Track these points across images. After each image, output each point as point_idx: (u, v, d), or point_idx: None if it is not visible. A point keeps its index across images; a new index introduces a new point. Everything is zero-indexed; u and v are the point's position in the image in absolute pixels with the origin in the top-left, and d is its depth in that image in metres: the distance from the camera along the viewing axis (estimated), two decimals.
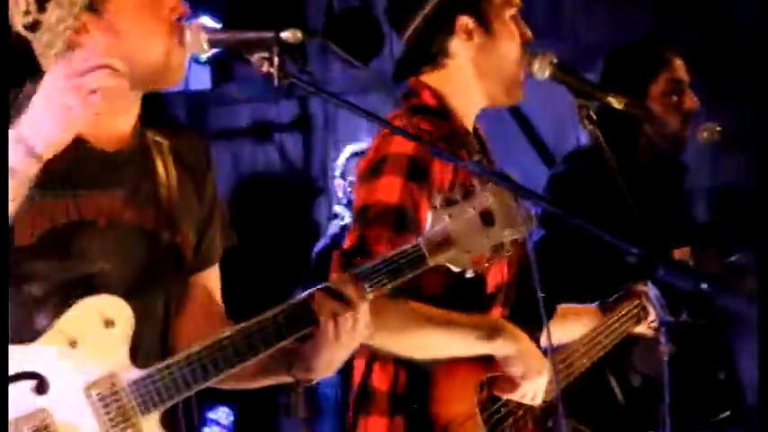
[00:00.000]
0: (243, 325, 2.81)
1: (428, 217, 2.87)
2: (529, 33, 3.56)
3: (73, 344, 2.76)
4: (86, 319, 2.78)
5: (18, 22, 2.87)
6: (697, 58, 4.79)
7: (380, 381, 3.42)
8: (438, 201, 2.90)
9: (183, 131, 3.10)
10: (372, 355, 3.41)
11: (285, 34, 2.87)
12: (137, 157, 2.94)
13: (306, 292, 2.85)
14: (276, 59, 2.86)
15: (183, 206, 2.98)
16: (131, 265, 2.88)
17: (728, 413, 4.69)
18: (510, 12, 3.53)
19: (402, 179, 3.31)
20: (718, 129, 4.50)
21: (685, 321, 3.64)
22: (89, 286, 2.80)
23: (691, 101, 4.61)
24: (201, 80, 7.00)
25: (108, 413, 2.75)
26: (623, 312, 3.81)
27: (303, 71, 3.00)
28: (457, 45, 3.51)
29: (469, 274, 2.92)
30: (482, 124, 3.65)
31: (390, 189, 3.31)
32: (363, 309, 2.85)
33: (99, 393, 2.75)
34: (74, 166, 2.84)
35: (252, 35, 2.90)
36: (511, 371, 3.39)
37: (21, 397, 2.69)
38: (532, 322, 3.51)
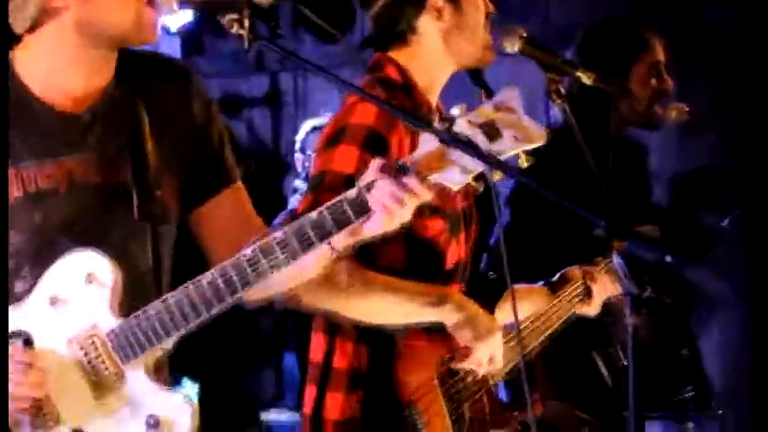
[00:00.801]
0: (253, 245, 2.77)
1: (421, 136, 2.75)
2: (492, 8, 3.60)
3: (54, 301, 2.83)
4: (67, 276, 2.84)
5: None
6: (669, 39, 4.83)
7: (342, 358, 3.44)
8: (436, 118, 2.82)
9: (164, 75, 3.07)
10: (332, 332, 3.44)
11: None
12: (107, 115, 2.95)
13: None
14: (246, 21, 2.86)
15: (164, 152, 2.99)
16: (99, 223, 2.90)
17: (691, 391, 4.74)
18: None
19: (359, 149, 3.33)
20: (686, 109, 4.56)
21: (650, 296, 3.68)
22: (57, 251, 2.84)
23: (667, 82, 4.68)
24: (171, 52, 6.61)
25: (90, 363, 2.80)
26: (566, 293, 3.85)
27: (275, 35, 3.00)
28: (426, 22, 3.54)
29: (479, 187, 2.79)
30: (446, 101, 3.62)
31: (346, 158, 3.33)
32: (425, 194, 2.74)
33: (80, 345, 2.80)
34: (33, 135, 2.88)
35: None
36: (462, 336, 3.42)
37: (12, 353, 2.74)
38: (486, 300, 3.56)
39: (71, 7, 2.86)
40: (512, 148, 2.70)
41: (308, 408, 3.47)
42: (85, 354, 2.82)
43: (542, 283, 3.89)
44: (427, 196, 2.72)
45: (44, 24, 2.89)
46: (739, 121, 4.87)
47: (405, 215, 2.75)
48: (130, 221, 2.94)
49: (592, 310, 3.91)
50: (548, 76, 3.66)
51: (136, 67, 3.01)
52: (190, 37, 6.87)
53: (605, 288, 3.87)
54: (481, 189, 2.82)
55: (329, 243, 2.79)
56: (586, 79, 3.71)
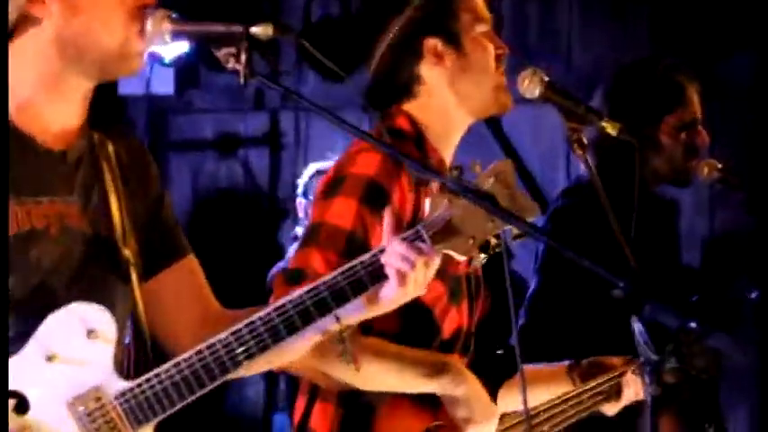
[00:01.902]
0: (263, 313, 2.82)
1: (426, 203, 2.88)
2: (504, 48, 3.58)
3: (52, 357, 2.77)
4: (66, 330, 2.79)
5: None
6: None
7: (319, 422, 3.44)
8: (434, 185, 2.90)
9: (122, 133, 3.09)
10: (313, 395, 3.44)
11: (255, 29, 2.89)
12: (86, 158, 2.94)
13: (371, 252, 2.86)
14: (244, 55, 2.87)
15: (130, 212, 2.97)
16: (89, 273, 2.88)
17: None
18: (480, 28, 3.55)
19: (357, 202, 3.34)
20: (719, 166, 4.54)
21: (673, 366, 3.64)
22: (50, 298, 2.81)
23: (702, 138, 4.66)
24: (165, 84, 7.07)
25: (97, 429, 2.76)
26: (595, 386, 3.80)
27: (275, 72, 2.98)
28: (427, 70, 3.52)
29: (478, 263, 2.97)
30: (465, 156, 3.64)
31: (344, 212, 3.35)
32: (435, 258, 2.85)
33: (85, 408, 2.76)
34: (20, 170, 2.83)
35: (219, 28, 2.90)
36: (455, 413, 3.41)
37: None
38: (490, 379, 3.55)
39: (53, 17, 2.83)
40: (511, 219, 2.85)
41: None
42: (92, 419, 2.77)
43: (567, 363, 3.84)
44: (437, 261, 2.81)
45: (21, 34, 2.86)
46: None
47: (419, 286, 2.83)
48: (115, 276, 2.94)
49: (611, 410, 3.86)
50: (569, 125, 3.59)
51: (98, 120, 3.01)
52: (184, 69, 6.97)
53: (638, 394, 3.80)
54: (483, 262, 2.95)
55: (335, 315, 2.85)
56: (611, 130, 3.68)
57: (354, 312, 2.89)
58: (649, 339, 3.04)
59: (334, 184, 3.39)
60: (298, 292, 2.81)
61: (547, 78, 3.53)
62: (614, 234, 3.41)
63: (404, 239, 2.82)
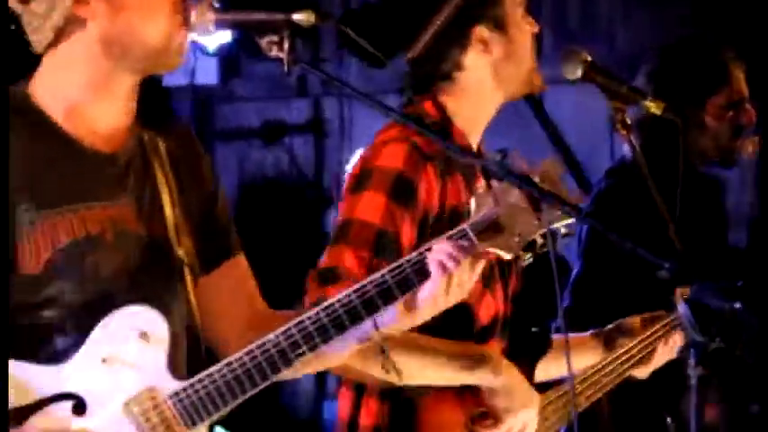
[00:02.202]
0: (310, 313, 2.85)
1: (472, 203, 2.87)
2: (537, 26, 3.62)
3: (106, 360, 2.80)
4: (119, 333, 2.82)
5: None
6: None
7: (367, 416, 3.47)
8: (480, 185, 2.94)
9: (172, 127, 3.10)
10: (360, 389, 3.46)
11: (297, 16, 2.91)
12: (137, 159, 2.95)
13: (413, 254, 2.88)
14: (286, 43, 2.89)
15: (182, 212, 3.00)
16: (145, 277, 2.90)
17: None
18: (521, 10, 3.57)
19: (386, 197, 3.36)
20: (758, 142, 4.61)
21: (719, 347, 3.66)
22: (107, 303, 2.83)
23: (748, 116, 4.66)
24: (208, 74, 7.10)
25: (152, 428, 2.80)
26: (624, 352, 3.83)
27: (317, 58, 3.03)
28: (473, 58, 3.53)
29: (524, 262, 3.07)
30: (512, 140, 3.63)
31: (373, 207, 3.37)
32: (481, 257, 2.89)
33: (140, 408, 2.79)
34: (70, 175, 2.86)
35: (262, 16, 2.92)
36: (494, 403, 3.44)
37: (58, 420, 2.75)
38: (527, 358, 3.62)
39: (98, 17, 2.84)
40: (557, 218, 2.91)
41: None
42: (147, 419, 2.79)
43: (592, 332, 3.89)
44: (482, 261, 2.86)
45: (68, 38, 2.87)
46: None
47: (463, 287, 2.87)
48: (171, 279, 2.96)
49: (643, 372, 3.88)
50: (612, 105, 3.62)
51: (146, 116, 3.04)
52: (227, 58, 6.98)
53: (671, 350, 3.83)
54: (529, 261, 3.12)
55: (375, 322, 2.86)
56: (655, 109, 3.70)
57: (392, 322, 2.92)
58: (695, 321, 3.12)
59: (361, 179, 3.42)
60: (345, 292, 2.82)
61: (589, 58, 3.54)
62: (660, 214, 3.43)
63: (450, 238, 2.84)
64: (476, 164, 3.31)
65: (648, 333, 3.82)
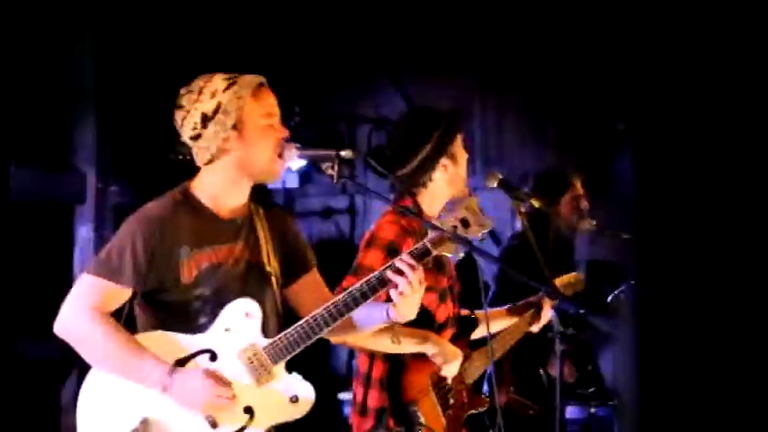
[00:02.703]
0: (328, 304, 2.83)
1: (429, 232, 2.88)
2: (466, 155, 3.56)
3: (227, 329, 2.80)
4: (234, 314, 2.82)
5: (186, 134, 2.89)
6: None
7: (377, 370, 3.41)
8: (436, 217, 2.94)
9: (273, 208, 3.10)
10: (372, 353, 3.40)
11: (343, 152, 2.96)
12: (247, 221, 2.94)
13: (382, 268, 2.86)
14: (336, 167, 2.93)
15: (272, 246, 2.98)
16: (247, 284, 2.90)
17: (593, 389, 4.63)
18: (461, 141, 3.55)
19: (383, 254, 3.31)
20: (594, 223, 4.50)
21: (572, 333, 3.63)
22: (228, 299, 2.84)
23: (584, 206, 4.68)
24: (292, 181, 7.00)
25: (253, 365, 2.78)
26: (524, 316, 3.74)
27: (352, 176, 3.05)
28: (437, 175, 3.51)
29: (460, 256, 2.92)
30: None
31: (374, 259, 3.30)
32: (415, 276, 2.84)
33: (246, 355, 2.78)
34: (211, 230, 2.87)
35: (323, 152, 2.97)
36: (436, 360, 3.37)
37: (202, 364, 2.74)
38: (464, 332, 3.57)
39: (235, 150, 2.86)
40: (477, 231, 2.90)
41: (358, 399, 3.42)
42: (250, 360, 2.78)
43: (507, 306, 3.77)
44: (421, 269, 2.82)
45: (219, 158, 2.87)
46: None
47: (416, 287, 2.81)
48: (264, 285, 2.94)
49: (536, 328, 3.75)
50: (514, 202, 3.64)
51: (256, 199, 3.02)
52: (304, 173, 6.88)
53: (548, 315, 3.70)
54: (457, 260, 2.94)
55: (387, 312, 2.85)
56: (536, 204, 3.72)
57: (397, 317, 2.88)
58: (558, 318, 3.09)
59: (369, 241, 3.37)
60: (346, 293, 2.82)
61: (501, 176, 3.58)
62: (539, 261, 3.43)
63: (411, 251, 2.84)
64: (436, 230, 3.24)
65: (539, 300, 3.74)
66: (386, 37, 6.79)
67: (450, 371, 3.38)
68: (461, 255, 2.91)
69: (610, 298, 3.74)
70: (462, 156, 3.54)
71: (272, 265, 2.93)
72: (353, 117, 7.04)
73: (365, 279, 2.83)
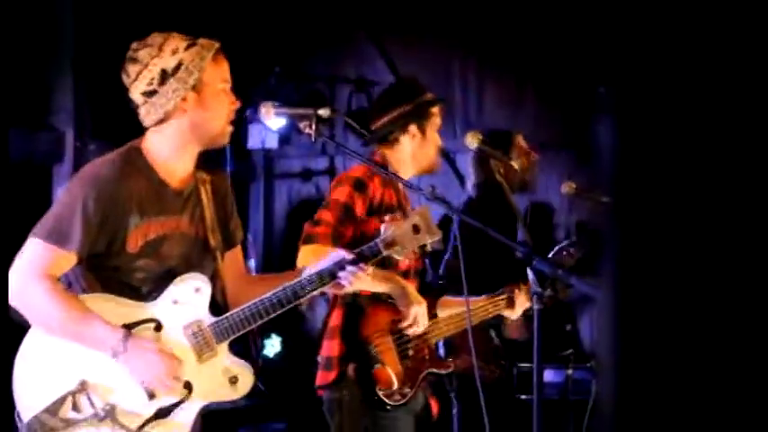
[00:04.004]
0: (274, 291, 2.83)
1: (381, 228, 2.94)
2: (440, 141, 3.62)
3: (175, 302, 2.79)
4: (184, 288, 2.80)
5: (138, 89, 2.80)
6: None
7: (334, 319, 3.43)
8: (387, 218, 3.01)
9: (217, 171, 3.03)
10: (332, 304, 3.43)
11: (321, 111, 2.95)
12: (192, 190, 2.90)
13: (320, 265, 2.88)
14: (314, 126, 2.92)
15: (215, 219, 2.93)
16: (193, 258, 2.87)
17: (571, 351, 4.66)
18: (436, 127, 3.60)
19: (350, 188, 3.41)
20: (574, 186, 4.40)
21: (549, 294, 3.63)
22: (170, 272, 2.81)
23: (534, 158, 4.66)
24: (272, 142, 6.92)
25: (197, 341, 2.78)
26: (492, 302, 3.71)
27: (332, 135, 3.05)
28: (404, 139, 3.56)
29: (404, 261, 3.08)
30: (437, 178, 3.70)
31: (343, 193, 3.41)
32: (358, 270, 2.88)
33: (191, 330, 2.78)
34: (158, 200, 2.82)
35: (301, 110, 2.96)
36: (399, 303, 3.37)
37: (147, 333, 2.73)
38: (434, 295, 3.57)
39: (190, 111, 2.79)
40: (426, 239, 2.96)
41: (321, 353, 3.44)
42: (195, 336, 2.78)
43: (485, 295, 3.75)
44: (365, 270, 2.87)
45: (171, 119, 2.80)
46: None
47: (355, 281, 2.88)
48: (208, 258, 2.91)
49: (513, 314, 3.76)
50: (493, 163, 3.64)
51: (203, 167, 2.96)
52: (283, 133, 6.78)
53: (523, 303, 3.72)
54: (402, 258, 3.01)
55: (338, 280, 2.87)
56: (515, 165, 3.73)
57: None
58: (536, 279, 3.03)
59: (340, 179, 3.48)
60: (293, 281, 2.83)
61: (482, 136, 3.57)
62: (518, 220, 3.37)
63: (361, 251, 2.88)
64: (405, 186, 3.39)
65: (507, 293, 3.73)
66: None
67: (412, 316, 3.36)
68: (406, 259, 3.04)
69: (553, 252, 3.69)
70: (433, 138, 3.57)
71: (215, 239, 2.91)
72: (334, 78, 6.98)
73: (315, 270, 2.84)
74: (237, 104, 2.87)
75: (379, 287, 3.33)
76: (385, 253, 2.92)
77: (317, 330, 3.71)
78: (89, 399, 2.68)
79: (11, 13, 5.67)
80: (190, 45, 2.79)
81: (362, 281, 2.91)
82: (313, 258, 3.04)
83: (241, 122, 6.68)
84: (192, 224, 2.87)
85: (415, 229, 2.95)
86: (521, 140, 4.73)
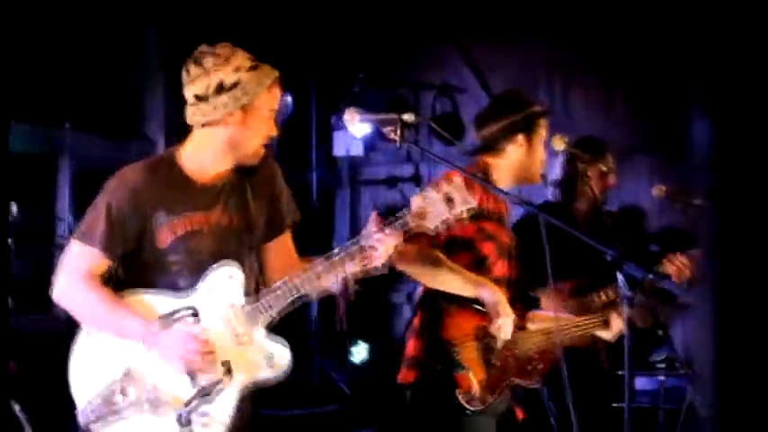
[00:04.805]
0: (308, 265, 2.86)
1: (411, 199, 2.91)
2: (543, 153, 3.55)
3: (210, 290, 2.86)
4: (218, 277, 2.87)
5: (192, 90, 2.87)
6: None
7: (418, 318, 3.41)
8: (418, 191, 2.96)
9: (267, 162, 3.02)
10: (417, 306, 3.43)
11: (405, 116, 2.93)
12: (230, 185, 2.95)
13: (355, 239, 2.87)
14: (399, 131, 2.91)
15: (259, 208, 2.98)
16: (227, 249, 2.91)
17: (664, 357, 4.54)
18: (542, 137, 3.54)
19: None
20: (665, 189, 4.32)
21: (640, 299, 3.53)
22: (203, 265, 2.87)
23: (612, 182, 4.33)
24: (357, 149, 6.92)
25: (232, 325, 2.84)
26: (587, 320, 3.64)
27: (416, 140, 3.01)
28: (511, 148, 3.51)
29: (434, 230, 2.91)
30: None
31: None
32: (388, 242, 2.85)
33: (226, 315, 2.84)
34: (185, 197, 2.89)
35: (385, 116, 2.95)
36: (489, 309, 3.30)
37: (185, 321, 2.81)
38: (524, 304, 3.49)
39: (232, 126, 2.85)
40: (462, 208, 2.89)
41: (406, 352, 3.42)
42: (230, 320, 2.83)
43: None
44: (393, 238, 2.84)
45: (213, 127, 2.86)
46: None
47: (384, 252, 2.83)
48: (243, 248, 2.95)
49: (610, 335, 3.68)
50: (579, 165, 3.66)
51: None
52: (368, 140, 6.79)
53: (620, 325, 3.60)
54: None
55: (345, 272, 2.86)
56: (603, 168, 3.65)
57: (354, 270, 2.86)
58: (626, 284, 2.92)
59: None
60: (322, 259, 2.84)
61: (567, 139, 3.57)
62: (607, 228, 3.39)
63: (389, 222, 2.84)
64: (494, 191, 3.31)
65: (601, 314, 3.64)
66: (452, 3, 6.70)
67: (497, 326, 3.30)
68: (435, 229, 2.93)
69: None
70: (539, 150, 3.53)
71: (255, 228, 2.96)
72: (418, 84, 6.97)
73: (343, 246, 2.87)
74: (275, 133, 2.93)
75: (470, 291, 3.29)
76: (413, 224, 2.88)
77: (403, 336, 3.67)
78: (134, 385, 2.81)
79: (101, 22, 5.83)
80: (253, 67, 2.85)
81: (388, 246, 2.83)
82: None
83: (327, 130, 6.74)
84: (224, 214, 2.92)
85: (448, 199, 2.90)
86: (610, 158, 4.56)
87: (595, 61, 6.18)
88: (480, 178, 3.32)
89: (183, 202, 2.88)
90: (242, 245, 2.94)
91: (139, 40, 6.13)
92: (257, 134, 2.88)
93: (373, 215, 2.89)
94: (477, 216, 3.25)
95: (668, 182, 4.37)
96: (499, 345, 3.35)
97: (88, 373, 2.85)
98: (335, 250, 2.86)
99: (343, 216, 7.29)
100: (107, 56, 5.95)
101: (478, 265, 3.26)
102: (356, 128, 3.11)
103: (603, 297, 3.71)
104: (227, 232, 2.92)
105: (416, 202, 2.90)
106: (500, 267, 3.44)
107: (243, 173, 2.96)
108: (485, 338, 3.35)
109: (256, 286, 2.95)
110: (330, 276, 2.85)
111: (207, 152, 2.90)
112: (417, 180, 7.04)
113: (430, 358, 3.31)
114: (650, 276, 2.86)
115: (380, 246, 2.83)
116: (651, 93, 5.87)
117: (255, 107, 2.85)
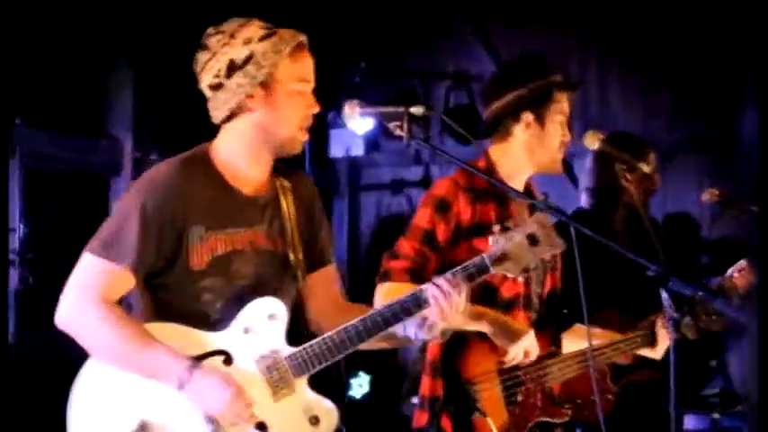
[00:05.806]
0: (361, 317, 2.81)
1: (489, 240, 2.88)
2: (569, 136, 3.50)
3: (246, 331, 2.79)
4: (256, 314, 2.80)
5: (205, 80, 2.83)
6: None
7: (431, 352, 3.41)
8: (497, 228, 2.90)
9: (299, 175, 3.02)
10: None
11: (414, 109, 2.91)
12: (271, 199, 2.89)
13: (416, 288, 2.85)
14: (406, 126, 2.89)
15: (298, 233, 2.93)
16: (269, 277, 2.87)
17: (718, 391, 4.54)
18: (560, 117, 3.47)
19: (431, 210, 3.36)
20: (717, 193, 4.32)
21: (688, 322, 3.54)
22: (242, 295, 2.81)
23: (656, 183, 4.43)
24: (357, 148, 6.90)
25: (272, 377, 2.78)
26: (627, 338, 3.65)
27: (426, 137, 3.03)
28: (518, 130, 3.46)
29: (521, 279, 2.97)
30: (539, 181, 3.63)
31: (423, 216, 3.37)
32: (460, 298, 2.84)
33: (265, 364, 2.78)
34: (229, 210, 2.82)
35: (390, 109, 2.93)
36: (498, 341, 3.31)
37: (214, 367, 2.73)
38: (553, 325, 3.51)
39: (258, 110, 2.79)
40: (546, 252, 2.89)
41: (420, 391, 3.45)
42: (270, 371, 2.78)
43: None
44: (465, 289, 2.82)
45: (235, 119, 2.82)
46: None
47: (454, 307, 2.81)
48: (286, 277, 2.91)
49: (655, 355, 3.70)
50: (617, 165, 3.59)
51: (282, 171, 2.96)
52: (370, 138, 6.80)
53: (667, 339, 3.59)
54: (522, 279, 3.01)
55: (415, 333, 2.86)
56: (645, 169, 3.68)
57: (418, 331, 2.87)
58: (672, 303, 2.93)
59: (424, 199, 3.43)
60: (380, 307, 2.82)
61: (602, 136, 3.54)
62: (649, 236, 3.37)
63: (458, 271, 2.83)
64: (512, 194, 3.32)
65: (644, 330, 3.67)
66: None
67: (512, 355, 3.31)
68: (521, 277, 2.93)
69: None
70: (555, 131, 3.46)
71: (297, 256, 2.90)
72: (429, 73, 6.94)
73: (400, 299, 2.81)
74: (315, 109, 2.85)
75: (472, 325, 3.27)
76: (494, 270, 2.84)
77: (409, 367, 3.69)
78: None
79: (69, 20, 5.88)
80: (266, 36, 2.78)
81: (454, 307, 2.80)
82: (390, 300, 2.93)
83: (322, 127, 6.73)
84: (269, 238, 2.86)
85: (532, 240, 2.87)
86: (652, 157, 4.55)
87: (635, 45, 6.17)
88: (487, 176, 3.31)
89: (226, 214, 2.80)
90: (287, 276, 2.89)
91: (106, 30, 6.19)
92: (289, 114, 2.80)
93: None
94: (466, 234, 3.30)
95: (720, 185, 4.37)
96: (520, 363, 3.37)
97: (94, 417, 2.70)
98: (398, 300, 2.82)
99: (341, 226, 7.27)
100: (69, 47, 6.00)
101: (484, 292, 3.25)
102: (357, 124, 3.10)
103: (659, 324, 3.66)
104: (270, 257, 2.86)
105: (497, 243, 2.87)
106: (509, 287, 3.43)
107: (279, 188, 2.90)
108: (509, 373, 3.38)
109: (298, 327, 2.89)
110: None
111: (238, 151, 2.83)
112: (427, 184, 7.01)
113: (445, 400, 3.31)
114: (701, 294, 2.86)
115: (445, 302, 2.80)
116: (701, 81, 5.87)
117: (277, 80, 2.78)
